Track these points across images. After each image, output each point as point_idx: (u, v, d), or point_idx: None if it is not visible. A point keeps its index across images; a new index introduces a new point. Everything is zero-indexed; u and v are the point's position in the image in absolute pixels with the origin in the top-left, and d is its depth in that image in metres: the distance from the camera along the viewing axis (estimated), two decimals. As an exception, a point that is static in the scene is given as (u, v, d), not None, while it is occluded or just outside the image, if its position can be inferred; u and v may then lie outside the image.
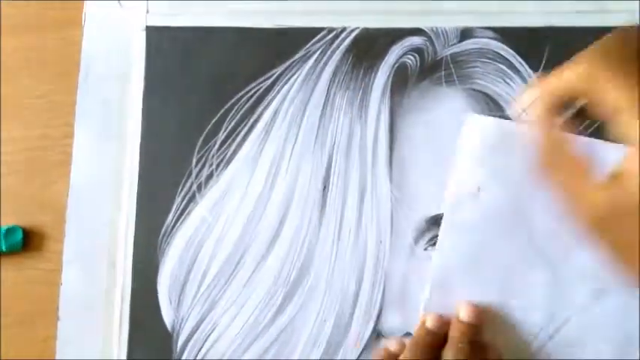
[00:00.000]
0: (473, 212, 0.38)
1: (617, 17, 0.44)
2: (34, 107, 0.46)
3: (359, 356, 0.42)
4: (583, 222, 0.30)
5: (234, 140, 0.44)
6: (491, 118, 0.42)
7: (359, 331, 0.42)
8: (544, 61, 0.44)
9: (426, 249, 0.42)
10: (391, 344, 0.39)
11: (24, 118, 0.46)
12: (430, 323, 0.40)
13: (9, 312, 0.44)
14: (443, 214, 0.39)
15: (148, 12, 0.46)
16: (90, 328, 0.43)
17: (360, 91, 0.44)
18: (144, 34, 0.46)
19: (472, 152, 0.39)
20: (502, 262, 0.38)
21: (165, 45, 0.46)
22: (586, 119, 0.32)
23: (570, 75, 0.30)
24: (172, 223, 0.44)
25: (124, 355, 0.43)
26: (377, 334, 0.42)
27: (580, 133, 0.32)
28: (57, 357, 0.43)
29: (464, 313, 0.39)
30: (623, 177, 0.28)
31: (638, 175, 0.27)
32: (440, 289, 0.40)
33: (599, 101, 0.29)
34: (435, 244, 0.41)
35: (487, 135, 0.40)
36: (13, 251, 0.44)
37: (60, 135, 0.46)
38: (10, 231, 0.44)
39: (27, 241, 0.44)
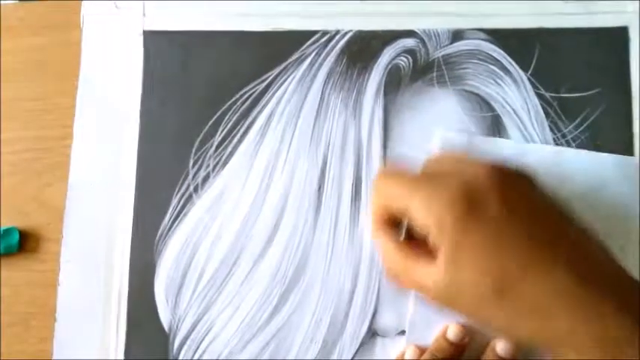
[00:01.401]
0: None
1: (603, 18, 0.45)
2: (33, 109, 0.46)
3: (354, 355, 0.42)
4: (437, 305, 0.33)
5: (230, 142, 0.45)
6: (458, 134, 0.43)
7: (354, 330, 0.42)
8: (534, 62, 0.44)
9: (420, 248, 0.43)
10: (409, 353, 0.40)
11: (23, 119, 0.46)
12: (452, 336, 0.40)
13: (6, 313, 0.44)
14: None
15: (144, 15, 0.47)
16: (87, 328, 0.43)
17: (354, 92, 0.45)
18: (141, 38, 0.47)
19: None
20: None
21: (162, 49, 0.46)
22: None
23: (382, 194, 0.35)
24: (169, 225, 0.44)
25: (121, 355, 0.43)
26: (372, 333, 0.42)
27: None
28: (54, 357, 0.43)
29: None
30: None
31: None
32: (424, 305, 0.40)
33: (411, 219, 0.33)
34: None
35: (454, 150, 0.42)
36: (9, 253, 0.44)
37: (58, 137, 0.46)
38: (6, 232, 0.44)
39: (23, 243, 0.45)
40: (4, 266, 0.44)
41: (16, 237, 0.44)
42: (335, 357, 0.42)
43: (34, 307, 0.44)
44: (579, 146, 0.43)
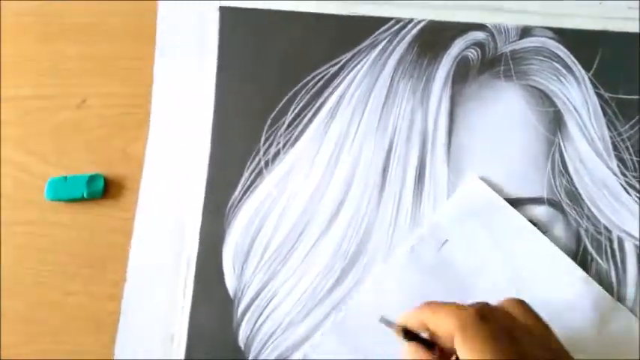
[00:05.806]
0: (429, 257, 0.43)
1: (666, 25, 0.47)
2: (130, 67, 0.48)
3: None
4: None
5: (301, 121, 0.46)
6: (486, 187, 0.44)
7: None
8: (596, 63, 0.46)
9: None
10: None
11: (120, 76, 0.48)
12: None
13: (85, 254, 0.46)
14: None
15: (221, -8, 0.48)
16: (156, 290, 0.45)
17: (423, 80, 0.46)
18: (217, 14, 0.48)
19: (458, 208, 0.44)
20: None
21: (238, 26, 0.48)
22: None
23: (412, 312, 0.36)
24: (240, 196, 0.46)
25: (186, 317, 0.44)
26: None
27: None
28: (121, 315, 0.44)
29: None
30: None
31: None
32: None
33: (433, 331, 0.35)
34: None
35: (475, 199, 0.44)
36: (93, 198, 0.46)
37: (148, 94, 0.47)
38: (92, 178, 0.46)
39: (107, 190, 0.47)
40: (88, 210, 0.46)
41: (100, 183, 0.46)
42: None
43: (111, 251, 0.46)
44: (633, 145, 0.46)
